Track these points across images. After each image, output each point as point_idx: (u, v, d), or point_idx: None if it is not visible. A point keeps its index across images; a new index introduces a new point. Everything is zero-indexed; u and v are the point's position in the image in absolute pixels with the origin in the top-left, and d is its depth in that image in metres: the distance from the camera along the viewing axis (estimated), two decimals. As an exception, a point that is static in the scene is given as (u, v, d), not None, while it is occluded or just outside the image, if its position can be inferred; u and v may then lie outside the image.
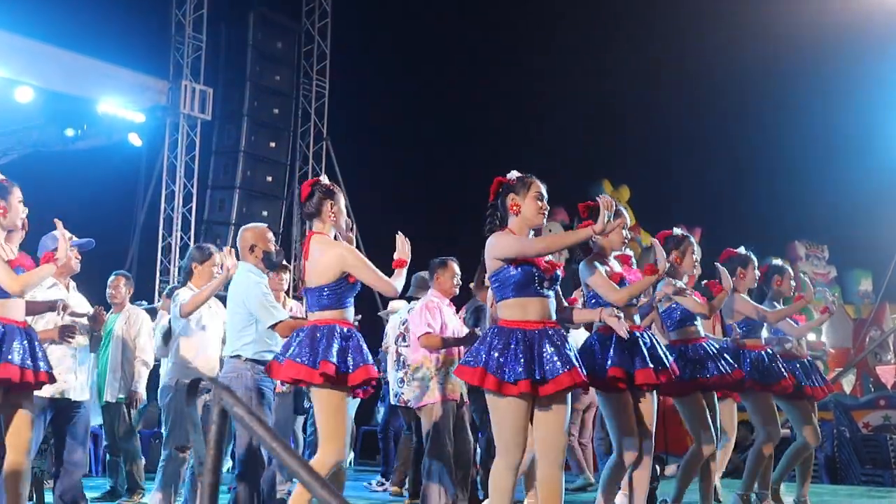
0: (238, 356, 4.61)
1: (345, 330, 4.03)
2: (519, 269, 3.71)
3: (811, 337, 16.15)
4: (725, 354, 5.04)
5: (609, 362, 4.16)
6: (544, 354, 3.65)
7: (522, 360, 3.59)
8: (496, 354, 3.64)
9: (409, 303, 6.68)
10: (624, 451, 4.23)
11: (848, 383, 13.64)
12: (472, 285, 6.02)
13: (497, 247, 3.76)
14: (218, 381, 3.73)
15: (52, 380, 4.26)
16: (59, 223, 4.23)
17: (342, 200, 4.27)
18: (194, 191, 13.88)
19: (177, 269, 13.24)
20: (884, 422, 10.54)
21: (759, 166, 17.90)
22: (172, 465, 5.21)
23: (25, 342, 3.97)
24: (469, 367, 3.73)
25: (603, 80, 16.33)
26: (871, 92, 14.92)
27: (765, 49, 15.85)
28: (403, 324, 6.52)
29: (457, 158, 14.81)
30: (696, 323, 5.06)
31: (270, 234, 4.97)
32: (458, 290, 5.93)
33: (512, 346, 3.64)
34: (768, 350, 5.52)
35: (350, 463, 10.55)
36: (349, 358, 3.96)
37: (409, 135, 15.70)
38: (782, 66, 15.93)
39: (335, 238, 4.21)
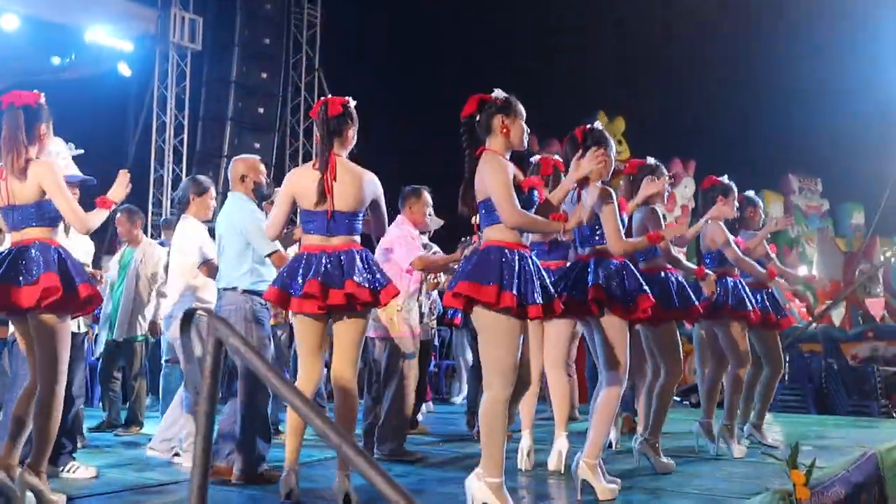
0: (234, 288, 4.58)
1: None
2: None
3: (802, 270, 16.29)
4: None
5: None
6: (537, 279, 3.66)
7: (535, 282, 3.62)
8: (507, 273, 3.57)
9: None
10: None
11: (837, 315, 13.77)
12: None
13: (496, 179, 3.64)
14: (213, 312, 3.73)
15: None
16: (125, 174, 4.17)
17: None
18: (185, 122, 13.76)
19: (169, 202, 13.20)
20: (871, 353, 10.68)
21: (754, 100, 17.80)
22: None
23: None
24: (481, 284, 3.54)
25: (601, 12, 16.11)
26: (866, 28, 14.76)
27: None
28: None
29: (451, 86, 14.62)
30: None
31: (262, 166, 4.93)
32: (428, 222, 5.79)
33: (516, 268, 3.60)
34: (741, 279, 5.55)
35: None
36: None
37: (403, 65, 15.53)
38: (780, 3, 15.72)
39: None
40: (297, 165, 15.59)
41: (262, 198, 4.84)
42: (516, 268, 3.60)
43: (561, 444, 4.89)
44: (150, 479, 4.70)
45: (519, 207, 3.60)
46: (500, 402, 3.57)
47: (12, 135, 3.82)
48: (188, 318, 4.49)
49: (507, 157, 3.77)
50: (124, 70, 12.80)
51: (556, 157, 5.19)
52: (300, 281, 3.92)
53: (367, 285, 3.92)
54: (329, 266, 3.92)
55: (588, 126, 4.37)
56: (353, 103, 4.21)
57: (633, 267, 4.31)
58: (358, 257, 3.97)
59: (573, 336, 7.58)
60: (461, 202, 3.86)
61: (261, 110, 14.31)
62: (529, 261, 3.68)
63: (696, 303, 4.95)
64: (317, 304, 3.90)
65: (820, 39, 15.82)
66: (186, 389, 5.20)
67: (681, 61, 16.61)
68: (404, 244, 5.60)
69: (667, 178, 5.12)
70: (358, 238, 4.08)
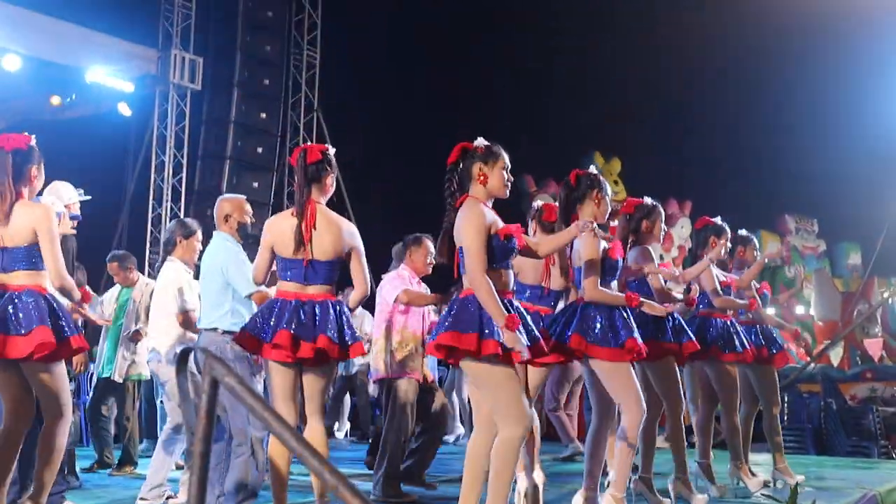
0: (214, 329, 4.56)
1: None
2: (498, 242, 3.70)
3: (800, 310, 16.28)
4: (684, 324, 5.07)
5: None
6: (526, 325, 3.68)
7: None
8: (486, 319, 3.57)
9: None
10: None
11: (835, 356, 13.73)
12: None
13: (465, 228, 3.67)
14: (209, 351, 3.71)
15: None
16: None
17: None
18: (184, 161, 13.82)
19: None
20: (870, 394, 10.63)
21: (750, 141, 17.93)
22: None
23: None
24: (461, 333, 3.54)
25: (596, 53, 16.27)
26: (862, 69, 14.91)
27: (759, 25, 15.79)
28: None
29: (447, 130, 14.75)
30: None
31: (248, 207, 4.92)
32: (430, 270, 5.78)
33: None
34: (732, 320, 5.56)
35: (347, 434, 10.58)
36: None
37: (400, 106, 15.65)
38: (776, 42, 15.90)
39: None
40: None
41: (245, 237, 4.83)
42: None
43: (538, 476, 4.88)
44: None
45: (482, 262, 3.58)
46: (515, 441, 3.55)
47: (5, 180, 3.84)
48: (184, 357, 4.48)
49: (490, 204, 3.79)
50: (124, 110, 12.87)
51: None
52: (271, 329, 3.91)
53: (337, 341, 3.92)
54: (303, 317, 3.91)
55: (583, 171, 4.41)
56: (332, 150, 4.22)
57: (623, 310, 4.31)
58: (332, 310, 3.97)
59: (571, 376, 7.59)
60: (438, 252, 3.88)
61: (259, 150, 14.37)
62: (510, 306, 3.68)
63: (692, 340, 4.95)
64: (286, 355, 3.91)
65: (817, 80, 15.97)
66: (174, 431, 5.16)
67: (678, 102, 16.76)
68: (394, 281, 5.63)
69: (662, 217, 5.15)
70: (334, 288, 4.09)
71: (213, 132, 14.15)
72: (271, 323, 3.91)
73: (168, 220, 13.54)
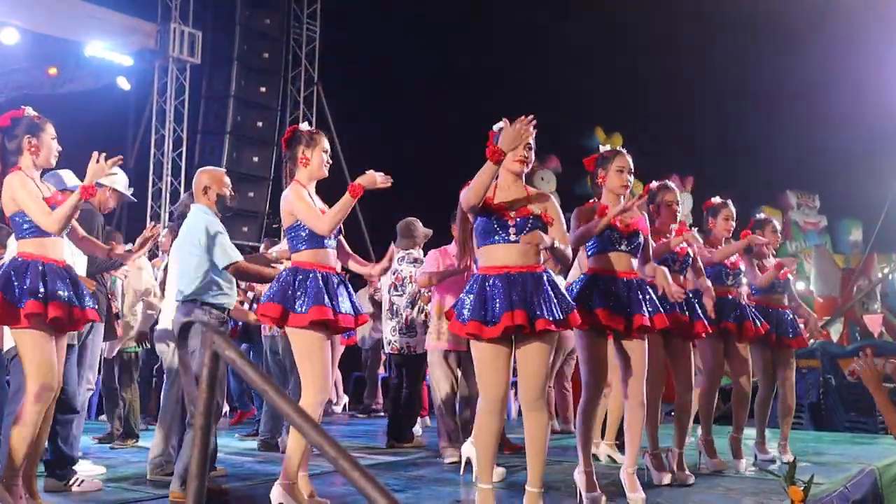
0: (193, 300, 4.55)
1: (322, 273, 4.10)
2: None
3: (800, 286, 16.30)
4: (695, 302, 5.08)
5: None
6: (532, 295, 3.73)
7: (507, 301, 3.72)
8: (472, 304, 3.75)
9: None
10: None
11: (835, 332, 13.77)
12: None
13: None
14: (211, 325, 3.70)
15: (99, 317, 4.47)
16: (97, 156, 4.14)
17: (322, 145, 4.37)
18: (184, 136, 13.78)
19: (167, 215, 13.20)
20: (869, 370, 10.66)
21: (752, 116, 17.84)
22: None
23: (68, 281, 3.97)
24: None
25: (597, 26, 16.17)
26: (866, 44, 14.82)
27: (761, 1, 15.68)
28: (394, 273, 6.55)
29: (448, 104, 14.69)
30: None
31: (227, 179, 4.94)
32: None
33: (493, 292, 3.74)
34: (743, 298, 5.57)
35: (345, 408, 10.64)
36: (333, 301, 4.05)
37: (401, 80, 15.56)
38: (779, 14, 15.77)
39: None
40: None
41: (223, 210, 4.83)
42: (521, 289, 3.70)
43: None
44: (147, 494, 4.68)
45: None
46: (487, 412, 3.77)
47: None
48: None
49: (523, 180, 3.96)
50: (123, 84, 12.82)
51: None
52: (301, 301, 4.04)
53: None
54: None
55: (596, 155, 4.46)
56: (304, 126, 4.50)
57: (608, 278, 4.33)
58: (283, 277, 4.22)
59: (565, 351, 7.61)
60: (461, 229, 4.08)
61: (259, 124, 14.32)
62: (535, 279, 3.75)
63: (703, 318, 4.96)
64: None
65: (819, 55, 15.87)
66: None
67: (678, 77, 16.66)
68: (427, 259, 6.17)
69: (677, 193, 5.17)
70: (309, 253, 4.18)
71: (213, 106, 14.10)
72: (299, 294, 4.02)
73: (168, 194, 13.52)
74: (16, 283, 3.82)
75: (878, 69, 14.28)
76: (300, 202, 4.07)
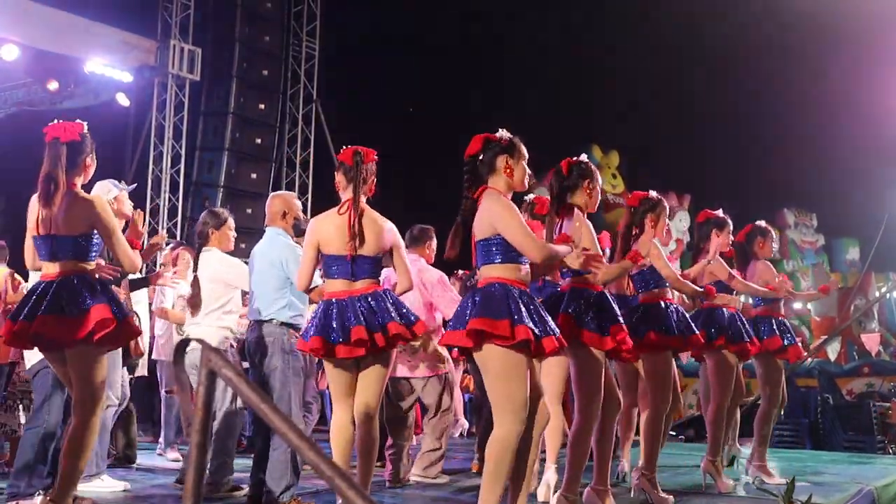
0: (271, 320, 4.63)
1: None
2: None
3: (797, 304, 16.30)
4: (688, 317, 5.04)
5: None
6: (534, 313, 3.62)
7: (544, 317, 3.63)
8: (514, 307, 3.54)
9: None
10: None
11: (833, 351, 13.77)
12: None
13: (510, 217, 3.64)
14: (205, 342, 3.69)
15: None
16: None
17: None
18: (182, 152, 13.80)
19: (165, 231, 13.20)
20: (867, 389, 10.67)
21: (749, 134, 17.91)
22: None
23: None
24: (494, 319, 3.51)
25: (594, 44, 16.24)
26: (862, 64, 14.89)
27: (759, 18, 15.77)
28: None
29: (446, 121, 14.75)
30: (665, 285, 5.05)
31: (299, 203, 5.07)
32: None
33: (508, 303, 3.57)
34: (740, 312, 5.53)
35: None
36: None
37: (399, 97, 15.62)
38: (776, 36, 15.87)
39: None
40: (293, 196, 15.61)
41: (298, 233, 4.89)
42: (522, 303, 3.58)
43: (550, 476, 4.85)
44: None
45: (534, 237, 3.63)
46: (512, 439, 3.49)
47: (52, 169, 3.87)
48: (181, 348, 4.50)
49: (509, 197, 3.76)
50: (123, 100, 12.85)
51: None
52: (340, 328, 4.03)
53: (403, 324, 4.12)
54: (363, 310, 4.08)
55: (574, 158, 4.39)
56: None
57: (609, 297, 4.29)
58: (385, 298, 4.14)
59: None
60: (450, 245, 3.83)
61: (258, 141, 14.34)
62: (531, 299, 3.67)
63: (696, 333, 4.93)
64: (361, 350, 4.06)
65: (818, 74, 15.95)
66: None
67: (677, 95, 16.73)
68: (444, 288, 5.86)
69: (667, 211, 5.13)
70: (379, 281, 4.24)
71: (212, 123, 14.13)
72: (334, 325, 4.02)
73: (166, 211, 13.53)
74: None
75: (876, 89, 14.34)
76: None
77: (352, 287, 4.10)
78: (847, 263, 19.92)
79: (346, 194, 4.22)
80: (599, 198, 4.37)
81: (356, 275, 4.11)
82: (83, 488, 4.67)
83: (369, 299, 4.05)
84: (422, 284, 5.66)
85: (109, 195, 4.92)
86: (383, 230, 4.17)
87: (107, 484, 5.10)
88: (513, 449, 3.50)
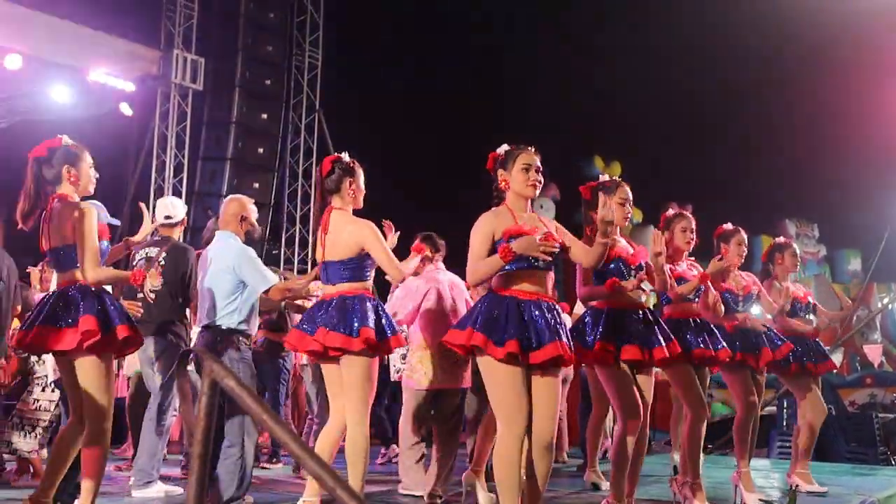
0: (219, 326, 4.58)
1: (372, 300, 4.15)
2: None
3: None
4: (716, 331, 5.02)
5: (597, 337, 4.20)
6: (536, 322, 3.58)
7: (513, 325, 3.56)
8: (482, 318, 3.59)
9: None
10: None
11: (835, 361, 13.73)
12: None
13: (473, 237, 3.73)
14: (208, 352, 3.70)
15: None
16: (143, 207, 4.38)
17: (361, 178, 4.34)
18: (185, 162, 13.83)
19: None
20: (870, 400, 10.63)
21: (750, 145, 17.92)
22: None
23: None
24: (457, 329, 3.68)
25: (597, 56, 16.27)
26: (865, 75, 14.90)
27: (760, 30, 15.79)
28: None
29: (448, 131, 14.76)
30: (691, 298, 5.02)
31: (255, 208, 5.00)
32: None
33: (502, 313, 3.57)
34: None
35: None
36: (384, 325, 4.11)
37: (402, 107, 15.64)
38: (778, 47, 15.89)
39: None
40: (296, 205, 15.80)
41: (251, 240, 4.86)
42: (522, 313, 3.58)
43: None
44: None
45: (474, 260, 3.65)
46: (511, 451, 3.49)
47: (26, 186, 3.97)
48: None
49: (527, 205, 3.82)
50: (126, 110, 12.85)
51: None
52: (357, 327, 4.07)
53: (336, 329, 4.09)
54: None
55: (594, 183, 4.45)
56: (346, 157, 4.35)
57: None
58: (332, 305, 4.14)
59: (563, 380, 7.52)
60: None
61: (260, 150, 14.38)
62: (536, 309, 3.64)
63: (725, 346, 4.91)
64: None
65: (819, 85, 15.96)
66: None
67: (678, 106, 16.75)
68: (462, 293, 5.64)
69: (692, 222, 5.14)
70: (358, 284, 4.21)
71: (215, 133, 14.16)
72: (355, 324, 4.02)
73: (168, 220, 13.55)
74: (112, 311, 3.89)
75: (878, 100, 14.34)
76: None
77: (326, 291, 4.20)
78: (849, 274, 19.89)
79: None
80: (630, 212, 4.49)
81: (329, 279, 4.18)
82: (137, 495, 4.94)
83: (332, 304, 4.08)
84: (448, 291, 5.46)
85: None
86: (343, 232, 4.15)
87: (159, 488, 5.13)
88: (514, 461, 3.50)
